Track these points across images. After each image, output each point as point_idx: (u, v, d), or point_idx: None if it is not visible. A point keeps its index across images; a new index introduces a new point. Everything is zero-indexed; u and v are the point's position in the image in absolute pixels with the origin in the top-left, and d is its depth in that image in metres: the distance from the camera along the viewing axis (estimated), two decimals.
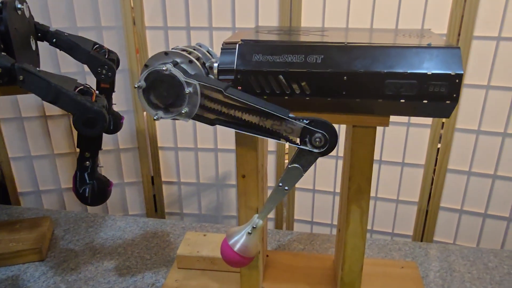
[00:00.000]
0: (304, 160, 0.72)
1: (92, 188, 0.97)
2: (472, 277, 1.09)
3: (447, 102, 0.72)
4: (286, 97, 0.76)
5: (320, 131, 0.70)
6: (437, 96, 0.71)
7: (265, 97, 0.76)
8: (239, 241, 0.79)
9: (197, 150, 1.60)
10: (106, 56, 1.18)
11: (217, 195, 1.65)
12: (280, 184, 0.75)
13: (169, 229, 1.33)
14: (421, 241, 1.46)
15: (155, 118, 0.72)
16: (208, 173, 1.63)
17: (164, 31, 1.45)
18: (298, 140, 0.73)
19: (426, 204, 1.47)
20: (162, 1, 1.41)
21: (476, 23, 1.27)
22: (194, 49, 0.80)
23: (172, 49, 0.78)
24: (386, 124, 0.79)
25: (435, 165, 1.43)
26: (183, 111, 0.71)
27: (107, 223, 1.36)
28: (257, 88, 0.76)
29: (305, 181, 1.56)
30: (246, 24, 1.40)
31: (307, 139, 0.71)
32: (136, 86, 0.70)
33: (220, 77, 0.76)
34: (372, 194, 1.52)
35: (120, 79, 1.48)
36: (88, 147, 0.95)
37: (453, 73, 0.70)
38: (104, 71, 1.14)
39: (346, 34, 0.90)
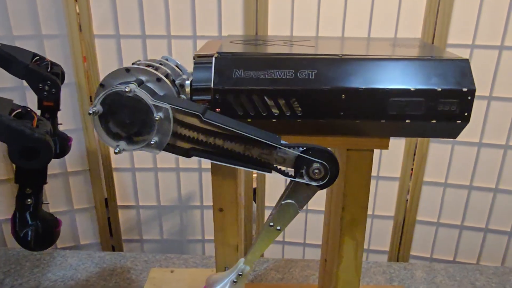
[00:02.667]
0: (300, 194, 0.61)
1: (35, 230, 0.81)
2: None
3: (458, 122, 0.63)
4: (274, 120, 0.64)
5: (318, 160, 0.59)
6: (447, 115, 0.62)
7: (248, 120, 0.64)
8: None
9: (156, 170, 1.45)
10: (49, 70, 1.01)
11: (181, 218, 1.51)
12: (272, 224, 0.64)
13: (129, 264, 1.17)
14: (398, 255, 1.39)
15: (116, 151, 0.58)
16: (169, 195, 1.48)
17: (116, 40, 1.29)
18: (292, 172, 0.62)
19: (402, 218, 1.41)
20: (113, 6, 1.26)
21: (450, 31, 1.22)
22: (161, 64, 0.66)
23: (134, 64, 0.65)
24: (385, 146, 0.69)
25: (411, 177, 1.37)
26: (152, 142, 0.58)
27: (56, 260, 1.18)
28: (239, 110, 0.64)
29: (275, 199, 1.45)
30: (208, 33, 1.28)
31: (303, 170, 0.60)
32: (90, 112, 0.56)
33: (194, 97, 0.64)
34: None
35: (66, 94, 1.30)
36: (30, 182, 0.79)
37: (465, 90, 0.61)
38: (46, 87, 0.97)
39: (336, 44, 0.80)
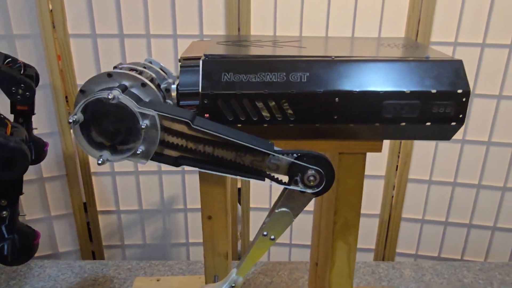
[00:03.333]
0: (294, 202, 0.59)
1: (12, 244, 0.76)
2: None
3: (452, 124, 0.62)
4: (265, 125, 0.62)
5: (314, 167, 0.57)
6: (442, 117, 0.61)
7: (239, 125, 0.62)
8: None
9: (138, 173, 1.40)
10: (22, 72, 0.96)
11: (164, 222, 1.47)
12: (265, 233, 0.61)
13: (112, 272, 1.13)
14: (384, 253, 1.39)
15: (99, 162, 0.54)
16: (151, 199, 1.44)
17: (92, 40, 1.24)
18: (286, 179, 0.59)
19: (388, 215, 1.41)
20: (88, 4, 1.20)
21: (433, 29, 1.22)
22: (144, 67, 0.63)
23: (116, 68, 0.61)
24: (379, 149, 0.68)
25: (396, 175, 1.37)
26: (138, 151, 0.54)
27: (33, 271, 1.13)
28: (229, 116, 0.61)
29: (260, 200, 1.43)
30: (189, 31, 1.24)
31: (298, 178, 0.57)
32: (70, 120, 0.52)
33: (182, 102, 0.60)
34: None
35: (41, 97, 1.25)
36: (5, 193, 0.74)
37: (460, 91, 0.60)
38: (20, 91, 0.92)
39: (325, 45, 0.78)
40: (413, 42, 0.78)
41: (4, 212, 0.74)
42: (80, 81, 1.29)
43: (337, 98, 0.60)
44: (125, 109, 0.53)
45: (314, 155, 0.57)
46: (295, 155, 0.57)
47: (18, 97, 0.92)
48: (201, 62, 0.61)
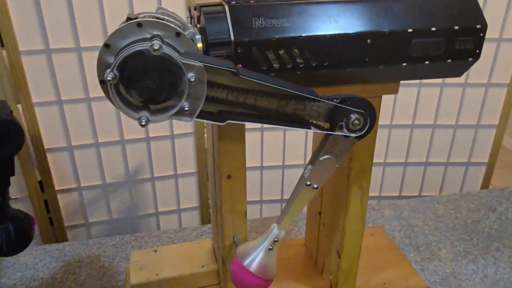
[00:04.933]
0: (338, 148, 0.58)
1: (6, 233, 0.67)
2: (430, 228, 1.12)
3: (470, 59, 0.65)
4: (299, 72, 0.59)
5: (358, 110, 0.56)
6: (462, 53, 0.63)
7: (272, 74, 0.59)
8: (256, 260, 0.62)
9: (98, 145, 1.30)
10: None
11: (130, 194, 1.39)
12: (309, 183, 0.60)
13: (96, 251, 1.05)
14: None
15: (143, 123, 0.48)
16: (115, 171, 1.35)
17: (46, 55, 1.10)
18: (327, 125, 0.58)
19: None
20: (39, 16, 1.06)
21: None
22: (164, 16, 0.56)
23: (129, 19, 0.54)
24: (396, 91, 0.69)
25: None
26: (186, 108, 0.49)
27: (5, 263, 1.01)
28: (262, 64, 0.58)
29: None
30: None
31: (343, 123, 0.56)
32: (108, 79, 0.45)
33: (212, 53, 0.56)
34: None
35: None
36: None
37: (478, 26, 0.62)
38: None
39: None
40: None
41: None
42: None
43: (369, 40, 0.59)
44: (169, 61, 0.47)
45: (358, 98, 0.56)
46: (335, 100, 0.56)
47: None
48: (227, 8, 0.56)
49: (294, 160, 1.45)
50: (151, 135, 1.34)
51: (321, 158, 0.59)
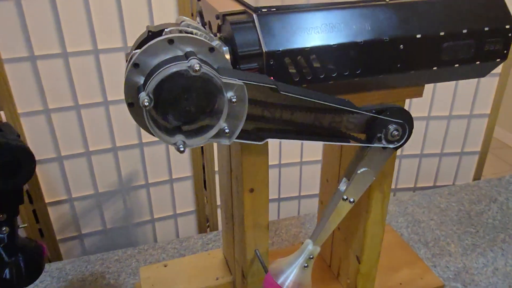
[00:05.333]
0: (375, 160, 0.56)
1: (17, 267, 0.61)
2: (436, 223, 1.12)
3: (497, 60, 0.63)
4: (331, 82, 0.56)
5: (397, 120, 0.54)
6: (491, 54, 0.62)
7: (304, 86, 0.55)
8: (290, 278, 0.60)
9: (89, 154, 1.24)
10: None
11: (124, 202, 1.34)
12: (345, 197, 0.58)
13: (99, 267, 1.00)
14: None
15: (181, 149, 0.44)
16: (108, 179, 1.29)
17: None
18: (363, 136, 0.55)
19: None
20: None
21: None
22: (189, 28, 0.52)
23: (151, 32, 0.49)
24: (420, 94, 0.67)
25: None
26: (226, 130, 0.45)
27: None
28: (294, 76, 0.54)
29: None
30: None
31: (382, 134, 0.54)
32: (145, 104, 0.41)
33: (242, 66, 0.52)
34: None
35: None
36: (4, 204, 0.58)
37: (507, 27, 0.61)
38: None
39: None
40: None
41: (4, 229, 0.59)
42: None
43: (401, 45, 0.57)
44: (209, 81, 0.43)
45: (397, 108, 0.54)
46: (373, 111, 0.53)
47: None
48: (255, 17, 0.52)
49: (290, 159, 1.42)
50: (144, 140, 1.28)
51: (359, 172, 0.56)
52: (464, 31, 0.59)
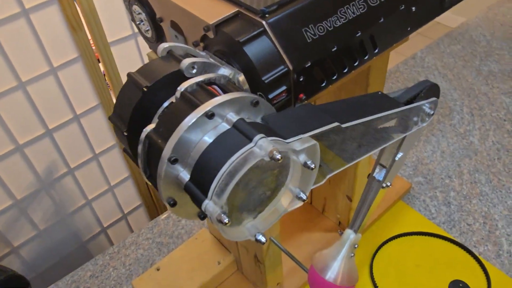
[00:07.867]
0: (410, 142, 0.52)
1: None
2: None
3: None
4: (353, 71, 0.48)
5: (432, 100, 0.49)
6: None
7: (329, 86, 0.46)
8: (338, 270, 0.58)
9: None
10: None
11: (51, 198, 1.16)
12: (385, 184, 0.54)
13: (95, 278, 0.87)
14: None
15: (259, 239, 0.35)
16: (24, 183, 1.09)
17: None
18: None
19: None
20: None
21: None
22: (194, 67, 0.37)
23: (182, 91, 0.35)
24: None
25: None
26: (303, 197, 0.36)
27: None
28: (322, 82, 0.45)
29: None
30: None
31: (418, 118, 0.49)
32: (225, 220, 0.30)
33: (271, 95, 0.41)
34: None
35: None
36: None
37: None
38: None
39: None
40: None
41: None
42: None
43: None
44: (284, 161, 0.33)
45: (429, 85, 0.48)
46: (412, 97, 0.48)
47: None
48: (266, 24, 0.39)
49: None
50: (50, 127, 1.07)
51: (396, 159, 0.52)
52: None
